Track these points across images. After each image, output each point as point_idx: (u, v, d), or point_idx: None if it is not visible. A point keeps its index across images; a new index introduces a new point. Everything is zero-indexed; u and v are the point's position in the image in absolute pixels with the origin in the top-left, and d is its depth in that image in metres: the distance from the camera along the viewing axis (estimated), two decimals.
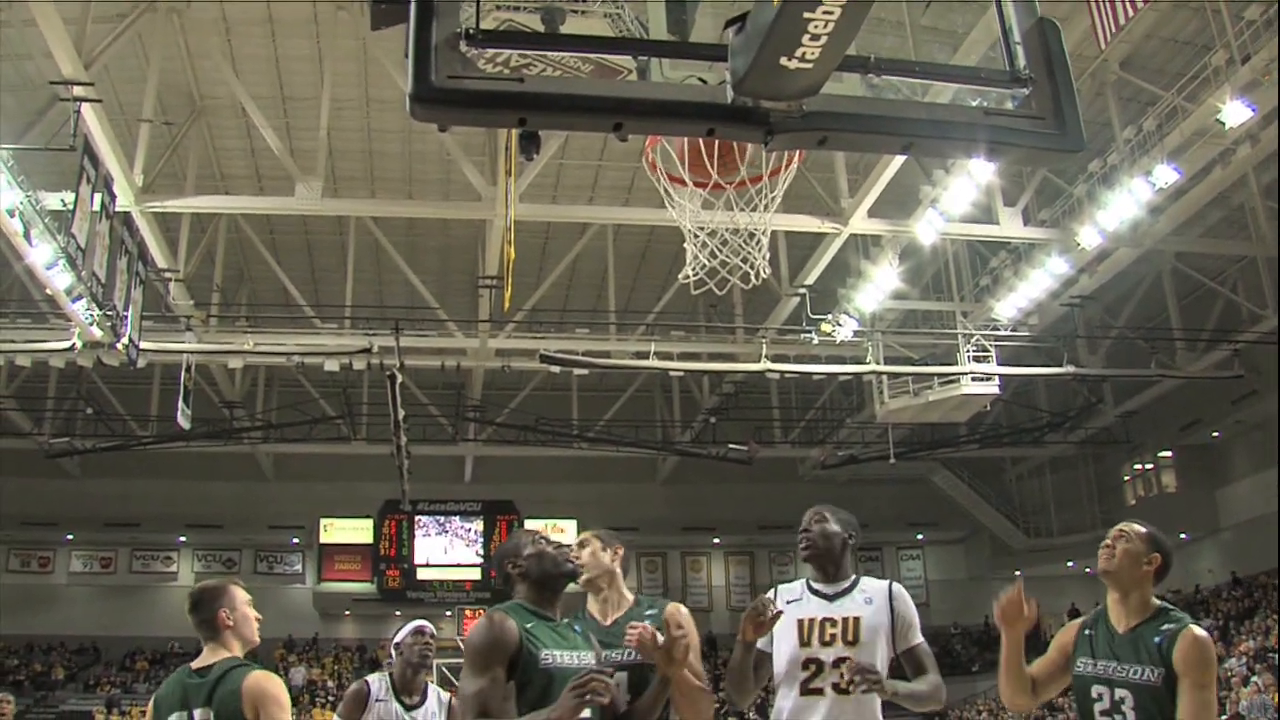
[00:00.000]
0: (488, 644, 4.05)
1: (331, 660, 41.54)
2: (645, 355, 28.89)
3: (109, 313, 20.29)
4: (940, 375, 28.80)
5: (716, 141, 5.09)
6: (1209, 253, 28.34)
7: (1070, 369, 29.34)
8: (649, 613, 4.84)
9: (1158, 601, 4.43)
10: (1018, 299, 26.74)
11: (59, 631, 41.78)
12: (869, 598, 5.05)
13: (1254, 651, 26.81)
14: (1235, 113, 19.22)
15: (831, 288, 28.11)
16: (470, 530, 43.13)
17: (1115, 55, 22.56)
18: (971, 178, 22.54)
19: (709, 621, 42.10)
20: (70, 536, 42.78)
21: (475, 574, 42.53)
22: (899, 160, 22.05)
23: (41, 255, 19.01)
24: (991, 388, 28.77)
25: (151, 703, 4.80)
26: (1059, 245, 25.10)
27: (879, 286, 26.63)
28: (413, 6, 3.57)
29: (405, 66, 3.57)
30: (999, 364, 28.52)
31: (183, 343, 26.89)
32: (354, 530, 42.83)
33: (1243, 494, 33.79)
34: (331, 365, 28.22)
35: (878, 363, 28.85)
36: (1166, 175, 21.38)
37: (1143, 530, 4.50)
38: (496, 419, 36.08)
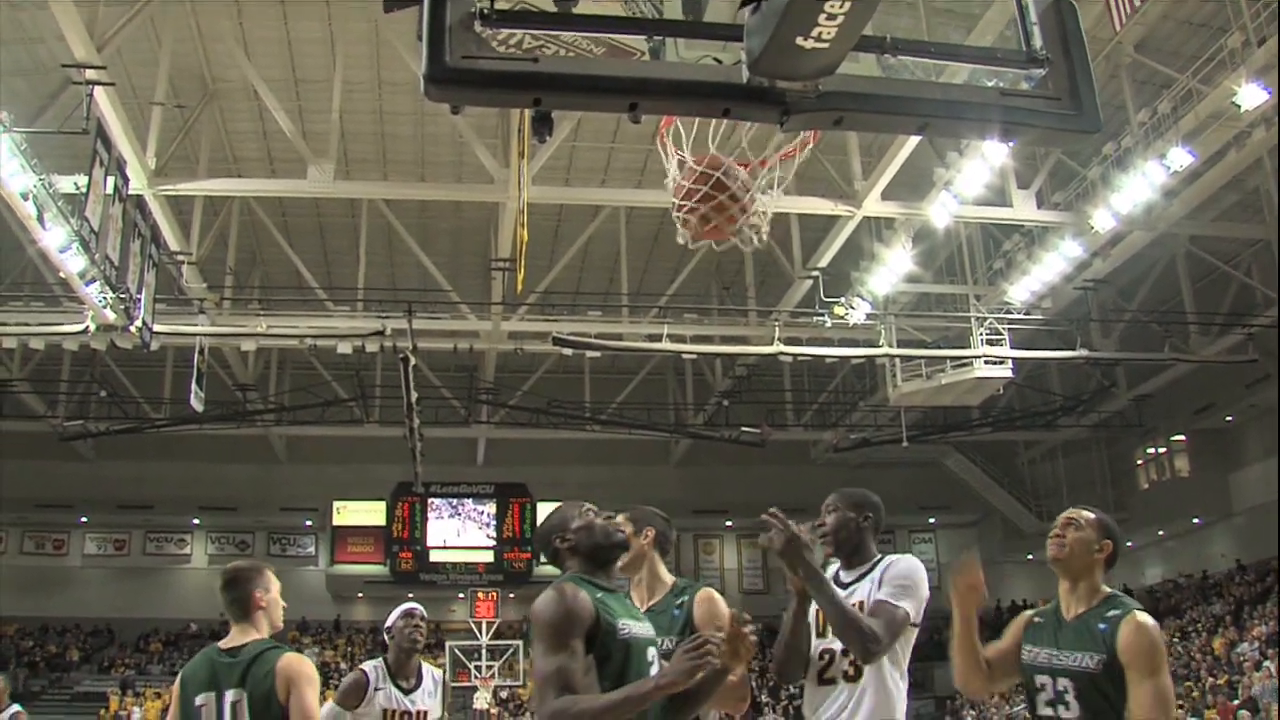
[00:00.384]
0: (562, 617, 3.84)
1: (344, 642, 41.70)
2: (658, 338, 28.88)
3: (122, 295, 20.31)
4: (953, 358, 28.75)
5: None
6: (1223, 236, 28.25)
7: (1083, 352, 29.32)
8: (679, 601, 4.90)
9: (1107, 589, 4.31)
10: (1031, 282, 26.67)
11: (73, 613, 42.13)
12: (874, 576, 4.91)
13: (1266, 636, 26.83)
14: (1251, 95, 19.12)
15: (844, 271, 28.03)
16: (483, 513, 43.27)
17: (1130, 38, 22.45)
18: (985, 160, 22.48)
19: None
20: (84, 519, 43.10)
21: (488, 556, 42.69)
22: (912, 143, 22.05)
23: (55, 239, 19.02)
24: (1004, 371, 28.71)
25: (178, 682, 4.77)
26: (1073, 228, 25.02)
27: (892, 269, 26.56)
28: None
29: (418, 49, 3.56)
30: (1012, 347, 28.45)
31: (196, 325, 26.93)
32: (367, 512, 43.06)
33: (1256, 478, 33.56)
34: (344, 348, 28.25)
35: (890, 346, 28.82)
36: (1181, 158, 21.28)
37: (1093, 516, 4.37)
38: (509, 401, 36.14)
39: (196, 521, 43.70)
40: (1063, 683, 4.08)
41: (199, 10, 22.68)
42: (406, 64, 22.19)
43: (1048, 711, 4.12)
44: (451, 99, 3.78)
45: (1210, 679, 26.87)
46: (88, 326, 23.26)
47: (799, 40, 3.41)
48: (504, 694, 35.95)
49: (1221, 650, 28.39)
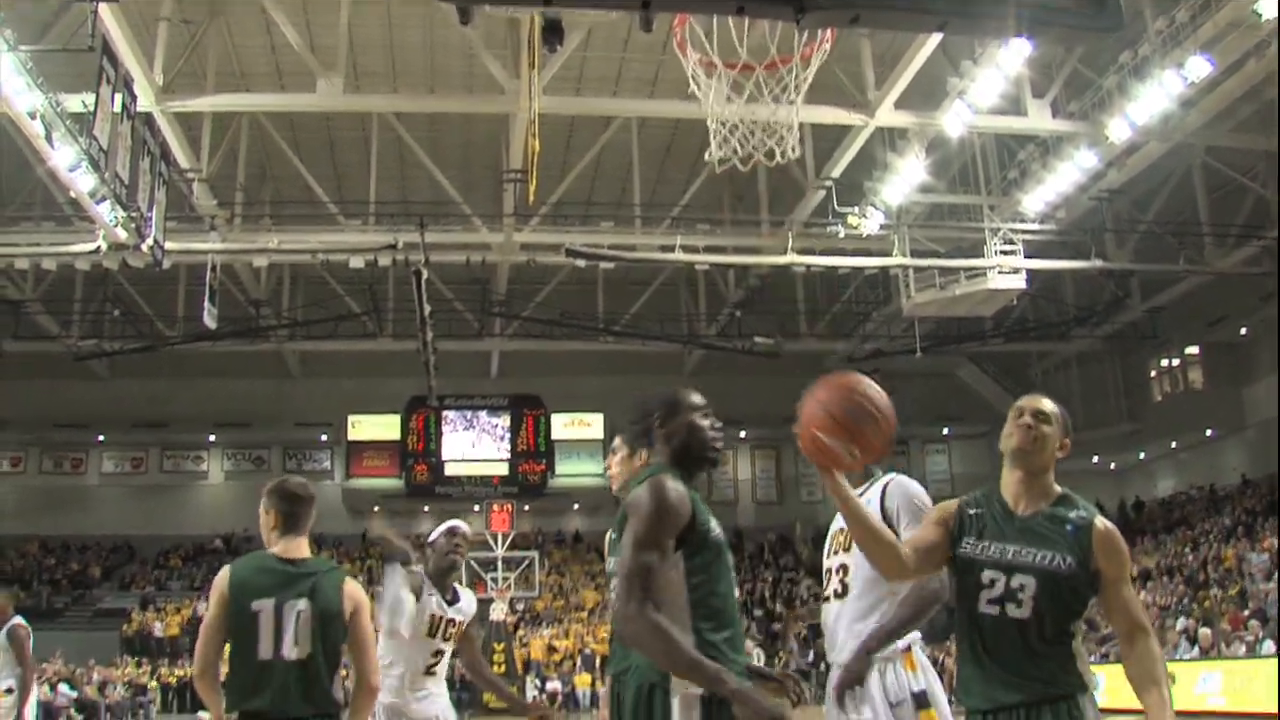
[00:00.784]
0: (664, 513, 3.71)
1: (359, 556, 42.16)
2: (670, 249, 28.89)
3: (133, 214, 20.33)
4: (967, 269, 28.67)
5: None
6: (1240, 147, 27.89)
7: (1097, 263, 29.22)
8: None
9: (1059, 487, 4.06)
10: (1045, 192, 26.57)
11: (93, 531, 42.80)
12: (870, 498, 4.94)
13: (1277, 548, 26.91)
14: (1271, 5, 18.88)
15: (858, 180, 27.88)
16: (497, 425, 43.48)
17: None
18: (1000, 69, 22.28)
19: (735, 515, 42.67)
20: (101, 438, 43.61)
21: (503, 469, 42.99)
22: (926, 51, 21.87)
23: (64, 158, 19.06)
24: (1018, 282, 28.68)
25: (226, 586, 4.65)
26: (1088, 138, 24.88)
27: (905, 179, 26.47)
28: None
29: None
30: (1026, 258, 28.36)
31: (207, 242, 27.01)
32: (381, 426, 43.40)
33: (1269, 391, 33.53)
34: (356, 262, 28.32)
35: (904, 256, 28.77)
36: (1199, 67, 21.08)
37: (1059, 411, 4.13)
38: (522, 313, 36.13)
39: (212, 438, 44.13)
40: (1020, 580, 3.82)
41: None
42: None
43: (990, 610, 3.85)
44: (462, 1, 3.73)
45: (1219, 590, 27.02)
46: (99, 245, 23.34)
47: None
48: (520, 605, 36.37)
49: (1232, 561, 28.52)
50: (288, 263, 32.26)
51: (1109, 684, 13.34)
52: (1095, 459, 39.25)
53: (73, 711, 26.97)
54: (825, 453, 3.71)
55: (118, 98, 18.62)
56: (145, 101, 21.33)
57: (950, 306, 30.06)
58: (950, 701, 4.90)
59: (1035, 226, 28.13)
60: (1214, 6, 20.40)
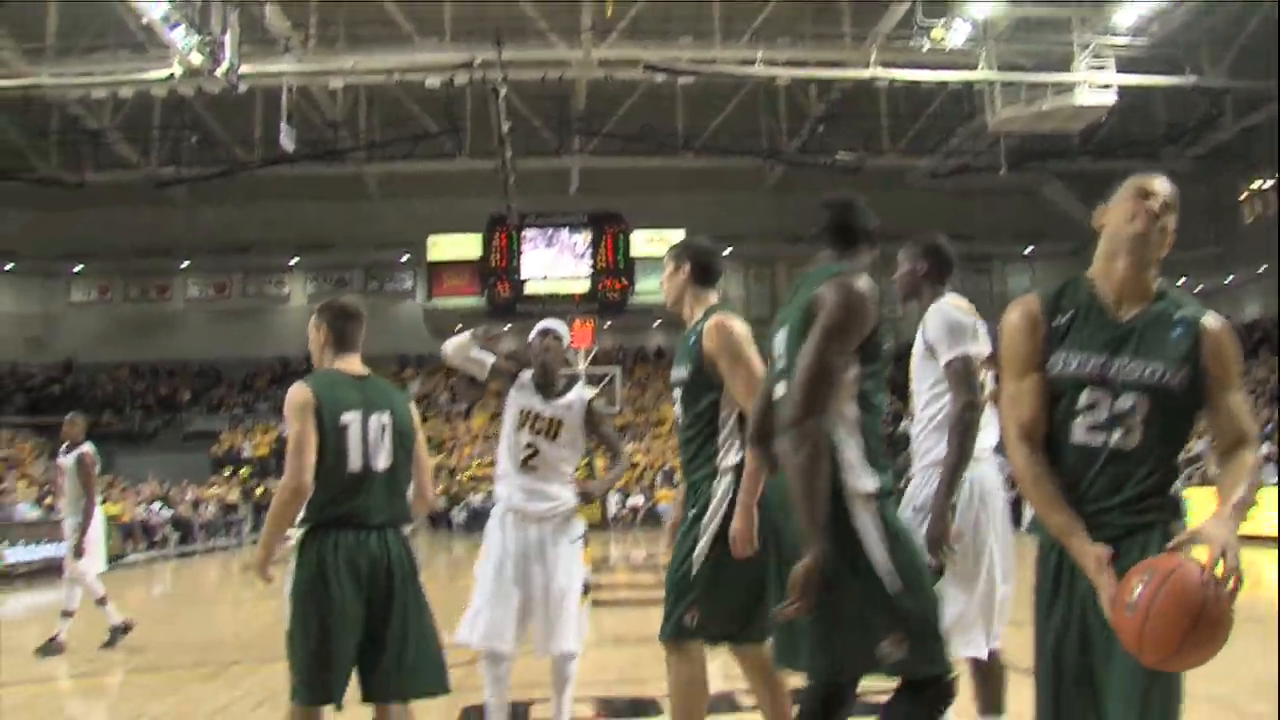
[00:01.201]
0: (855, 315, 3.56)
1: (443, 374, 43.08)
2: (751, 62, 28.47)
3: (207, 38, 20.38)
4: (1054, 84, 28.03)
5: None
6: None
7: (1191, 79, 28.49)
8: (696, 329, 4.89)
9: (1158, 283, 3.38)
10: (1139, 5, 25.82)
11: (180, 356, 44.07)
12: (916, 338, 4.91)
13: None
14: None
15: None
16: (577, 243, 43.61)
17: None
18: None
19: None
20: (184, 264, 44.49)
21: (584, 286, 43.23)
22: None
23: None
24: (1107, 97, 28.05)
25: (309, 403, 4.64)
26: None
27: None
28: None
29: None
30: (1116, 73, 27.66)
31: (282, 65, 26.99)
32: (462, 246, 43.65)
33: None
34: (433, 81, 28.26)
35: (990, 70, 28.21)
36: None
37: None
38: (602, 130, 35.94)
39: (294, 262, 44.83)
40: (1129, 401, 3.15)
41: None
42: None
43: (1091, 439, 3.20)
44: None
45: None
46: (174, 72, 23.41)
47: None
48: None
49: None
50: (364, 84, 32.08)
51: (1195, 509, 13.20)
52: (1182, 280, 38.60)
53: (169, 529, 28.18)
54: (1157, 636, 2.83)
55: None
56: None
57: (1036, 123, 29.58)
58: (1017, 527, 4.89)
59: (1127, 40, 27.38)
60: None
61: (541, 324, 6.29)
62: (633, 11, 28.50)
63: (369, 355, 5.04)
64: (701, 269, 5.08)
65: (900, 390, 5.66)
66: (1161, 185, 3.41)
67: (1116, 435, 3.17)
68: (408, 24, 29.35)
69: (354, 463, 4.63)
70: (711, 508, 4.51)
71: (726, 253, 44.64)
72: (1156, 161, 36.30)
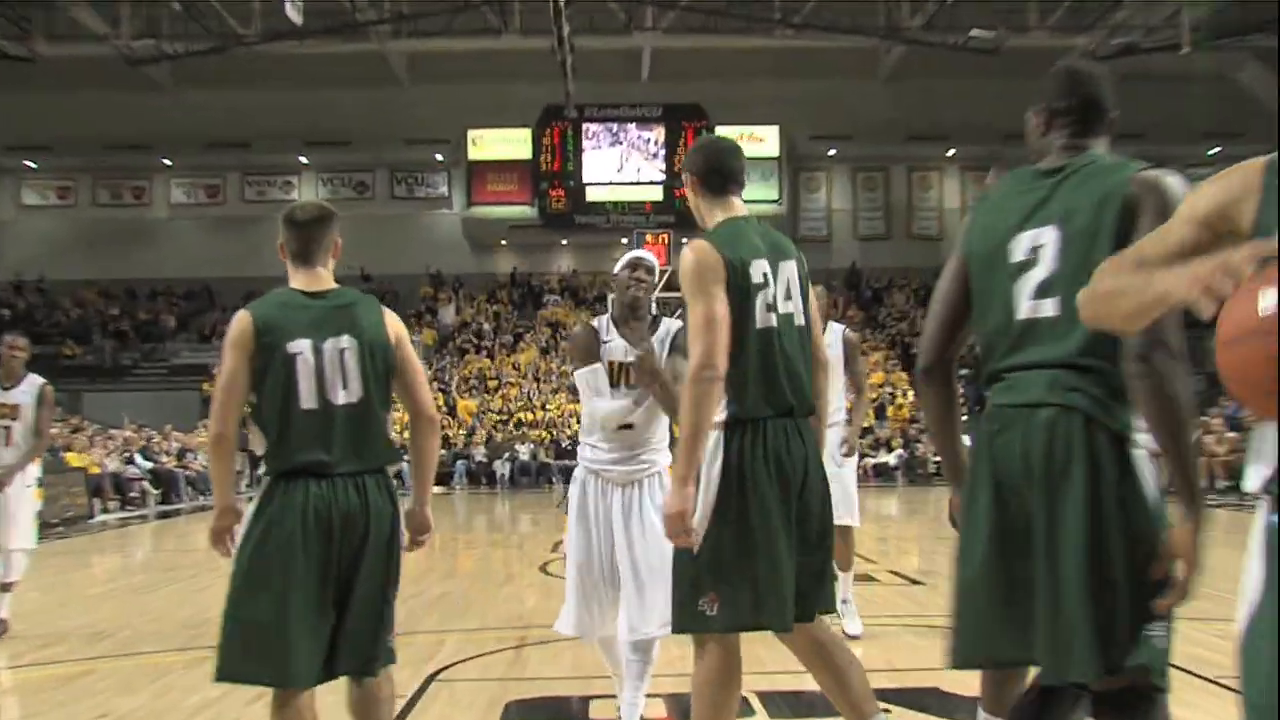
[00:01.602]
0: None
1: (485, 299, 43.05)
2: None
3: None
4: None
5: None
6: None
7: None
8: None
9: None
10: None
11: (163, 274, 44.02)
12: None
13: None
14: None
15: None
16: (649, 140, 43.37)
17: None
18: None
19: (939, 252, 42.03)
20: (167, 161, 44.25)
21: (656, 193, 43.06)
22: None
23: None
24: None
25: (248, 329, 4.70)
26: None
27: None
28: None
29: None
30: None
31: None
32: (509, 143, 43.56)
33: None
34: None
35: None
36: None
37: None
38: (680, 2, 35.56)
39: (304, 160, 44.74)
40: None
41: None
42: None
43: None
44: None
45: None
46: None
47: None
48: None
49: None
50: None
51: None
52: None
53: (147, 485, 28.19)
54: None
55: None
56: None
57: None
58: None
59: None
60: None
61: (630, 255, 6.53)
62: None
63: (394, 275, 4.83)
64: (708, 173, 5.10)
65: None
66: None
67: None
68: None
69: (307, 399, 4.68)
70: (703, 476, 4.61)
71: (830, 153, 44.54)
72: None
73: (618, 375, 6.18)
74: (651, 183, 43.26)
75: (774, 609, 4.53)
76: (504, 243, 44.66)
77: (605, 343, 6.26)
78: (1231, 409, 25.19)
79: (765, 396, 4.60)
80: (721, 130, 41.88)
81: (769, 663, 6.74)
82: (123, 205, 44.65)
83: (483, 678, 7.51)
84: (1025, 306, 3.72)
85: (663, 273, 32.93)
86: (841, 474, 8.74)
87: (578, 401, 6.66)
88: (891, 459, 33.60)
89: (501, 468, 34.41)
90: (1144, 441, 3.58)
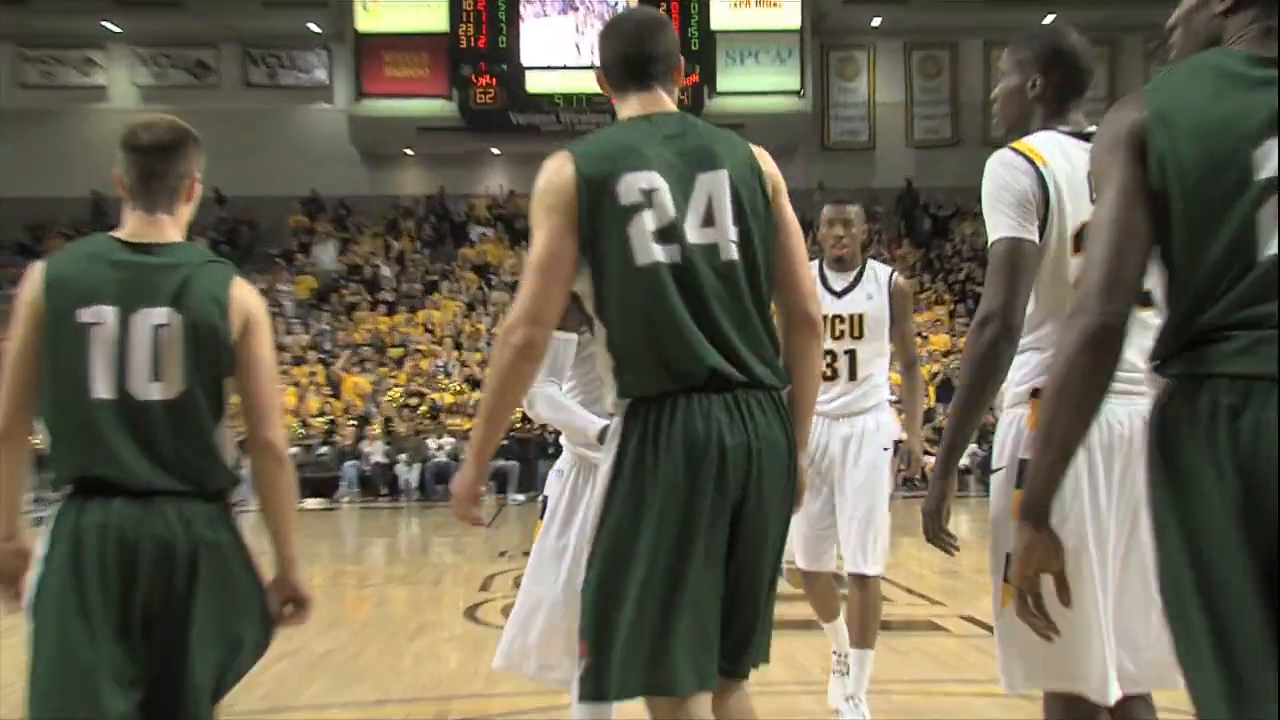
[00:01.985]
0: None
1: (383, 232, 43.42)
2: None
3: None
4: None
5: None
6: None
7: None
8: None
9: None
10: None
11: None
12: None
13: None
14: None
15: None
16: (616, 6, 43.02)
17: None
18: None
19: None
20: None
21: None
22: None
23: None
24: None
25: (40, 291, 4.65)
26: None
27: None
28: None
29: None
30: None
31: None
32: (415, 8, 43.47)
33: None
34: None
35: None
36: None
37: None
38: None
39: (110, 25, 44.09)
40: None
41: None
42: None
43: None
44: None
45: None
46: None
47: None
48: None
49: None
50: None
51: None
52: None
53: None
54: None
55: None
56: None
57: None
58: None
59: None
60: None
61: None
62: None
63: (250, 198, 4.79)
64: (608, 63, 5.15)
65: None
66: None
67: None
68: None
69: (100, 386, 4.57)
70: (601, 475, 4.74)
71: (874, 24, 45.67)
72: None
73: None
74: None
75: (673, 668, 4.47)
76: (409, 152, 44.87)
77: None
78: None
79: (661, 362, 4.54)
80: None
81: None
82: None
83: None
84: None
85: None
86: (869, 486, 8.44)
87: None
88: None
89: (408, 472, 34.00)
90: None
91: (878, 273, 8.79)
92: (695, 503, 4.41)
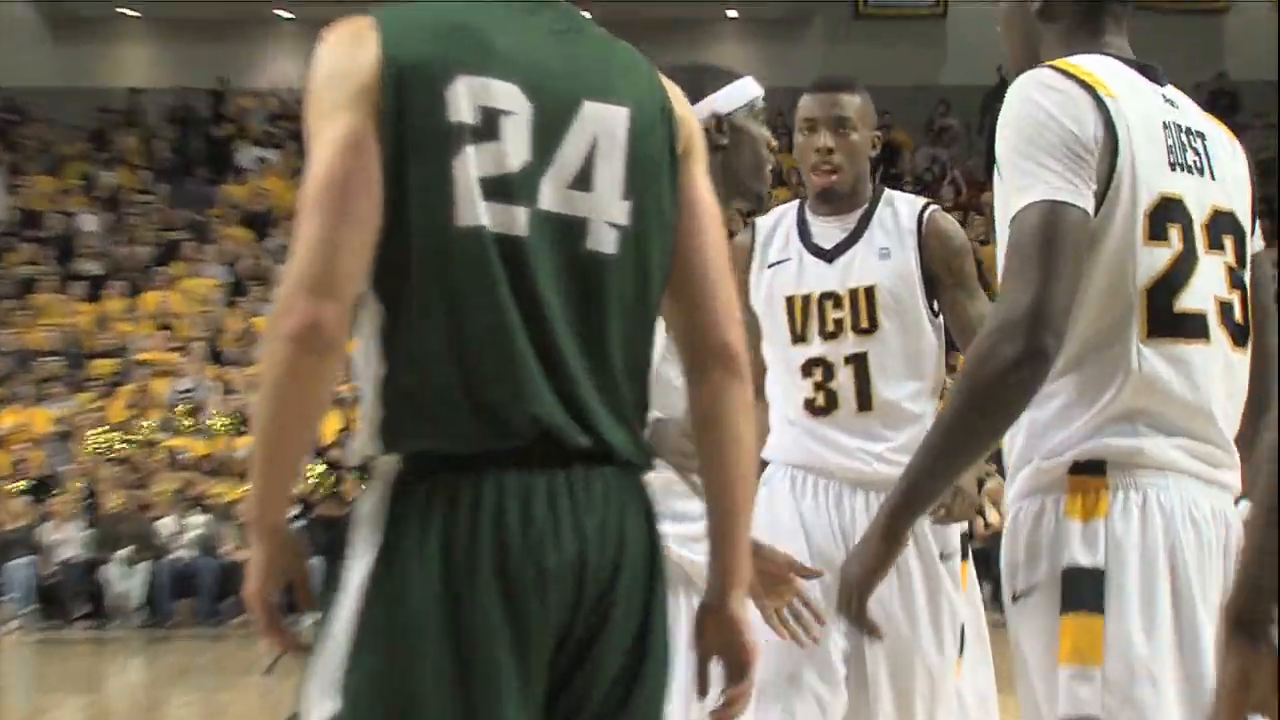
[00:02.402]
0: None
1: (84, 151, 36.29)
2: None
3: None
4: None
5: None
6: None
7: None
8: None
9: None
10: None
11: None
12: None
13: None
14: None
15: None
16: None
17: None
18: None
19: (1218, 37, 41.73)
20: None
21: None
22: None
23: None
24: None
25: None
26: None
27: None
28: None
29: None
30: None
31: None
32: None
33: None
34: None
35: None
36: None
37: None
38: None
39: None
40: None
41: None
42: None
43: None
44: None
45: None
46: None
47: None
48: None
49: None
50: None
51: None
52: None
53: None
54: None
55: None
56: None
57: None
58: None
59: None
60: None
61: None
62: None
63: None
64: None
65: None
66: None
67: None
68: None
69: None
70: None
71: None
72: None
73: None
74: None
75: None
76: (129, 13, 37.75)
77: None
78: None
79: (468, 395, 3.00)
80: None
81: None
82: None
83: None
84: None
85: None
86: (925, 640, 5.85)
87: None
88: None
89: (123, 577, 26.19)
90: None
91: (898, 210, 6.29)
92: (507, 634, 3.02)
